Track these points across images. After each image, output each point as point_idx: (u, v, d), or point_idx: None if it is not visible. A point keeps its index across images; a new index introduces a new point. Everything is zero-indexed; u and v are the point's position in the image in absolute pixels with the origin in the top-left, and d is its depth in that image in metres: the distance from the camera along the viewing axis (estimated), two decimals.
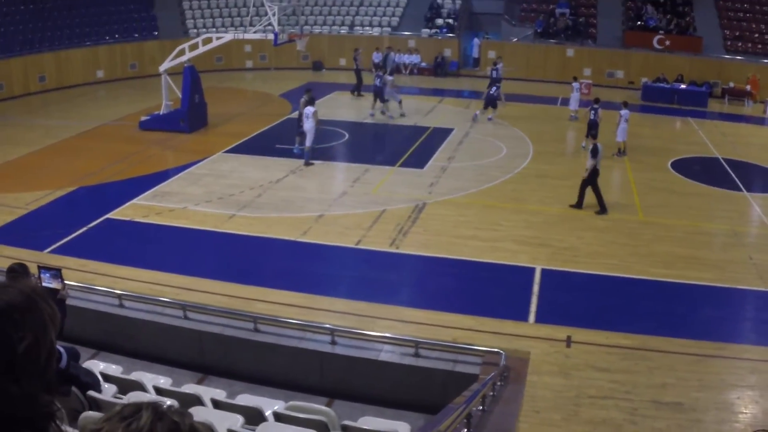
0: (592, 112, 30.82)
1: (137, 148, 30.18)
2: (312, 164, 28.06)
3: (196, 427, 2.24)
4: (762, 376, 14.98)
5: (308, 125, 27.97)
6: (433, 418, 8.46)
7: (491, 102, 35.87)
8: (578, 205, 23.73)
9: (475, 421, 8.25)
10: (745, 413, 13.55)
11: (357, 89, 41.70)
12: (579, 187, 23.82)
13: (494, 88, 36.20)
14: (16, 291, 2.56)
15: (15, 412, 2.44)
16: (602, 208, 23.56)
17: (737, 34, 47.25)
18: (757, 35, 46.99)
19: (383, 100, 35.82)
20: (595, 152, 23.33)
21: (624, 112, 30.32)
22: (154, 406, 2.22)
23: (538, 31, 49.54)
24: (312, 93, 29.82)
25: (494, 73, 38.84)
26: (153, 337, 13.12)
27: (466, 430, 7.93)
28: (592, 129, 29.46)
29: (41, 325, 2.56)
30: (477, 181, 26.48)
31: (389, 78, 36.45)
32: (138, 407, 2.21)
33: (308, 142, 28.15)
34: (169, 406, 2.27)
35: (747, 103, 42.86)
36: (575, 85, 37.43)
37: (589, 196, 23.69)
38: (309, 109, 28.03)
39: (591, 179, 23.56)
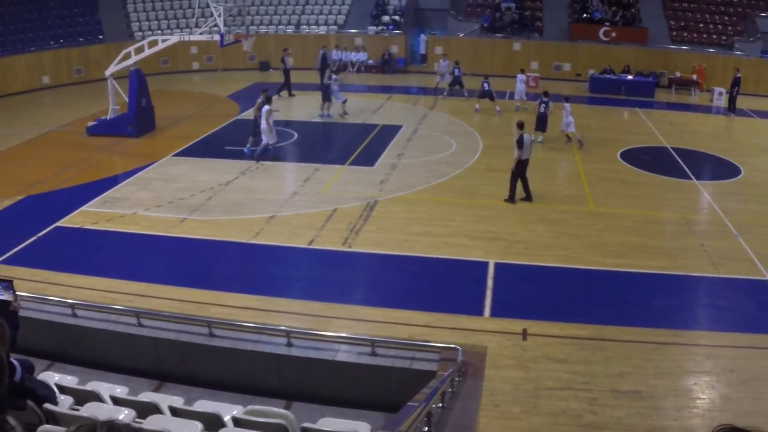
0: (542, 105, 31.02)
1: (85, 154, 29.85)
2: (264, 163, 28.19)
3: None
4: (717, 361, 15.14)
5: (264, 124, 28.19)
6: (393, 417, 8.42)
7: (488, 95, 37.11)
8: (527, 197, 23.89)
9: (436, 419, 8.23)
10: (703, 399, 13.69)
11: (282, 89, 41.30)
12: (509, 180, 24.02)
13: (486, 84, 37.39)
14: None
15: None
16: (511, 198, 23.99)
17: (682, 24, 47.78)
18: (702, 25, 47.55)
19: (327, 99, 35.83)
20: (520, 143, 23.49)
21: (567, 105, 30.69)
22: (110, 425, 2.16)
23: (485, 25, 49.71)
24: (269, 93, 29.84)
25: (456, 71, 39.98)
26: (107, 345, 12.97)
27: (426, 428, 7.91)
28: (542, 122, 29.87)
29: None
30: (427, 177, 26.51)
31: (333, 77, 36.42)
32: (92, 426, 2.15)
33: (265, 140, 28.49)
34: (127, 425, 2.21)
35: (693, 92, 43.41)
36: (521, 77, 37.76)
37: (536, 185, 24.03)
38: (265, 108, 28.29)
39: (518, 169, 23.72)
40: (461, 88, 40.19)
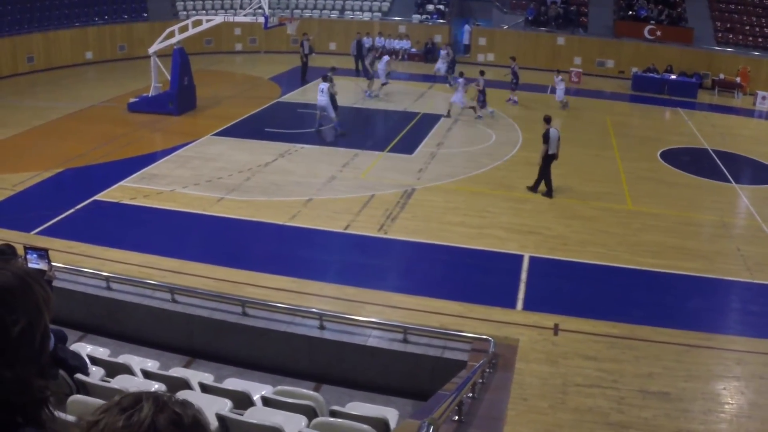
0: (479, 82, 33.83)
1: (125, 130, 30.04)
2: (344, 133, 30.18)
3: (198, 418, 2.19)
4: (747, 367, 15.02)
5: (322, 100, 29.39)
6: (424, 405, 8.45)
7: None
8: (534, 188, 23.97)
9: (466, 408, 8.24)
10: (731, 404, 13.58)
11: (305, 74, 41.24)
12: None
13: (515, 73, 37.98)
14: (10, 274, 2.51)
15: (8, 398, 2.40)
16: (547, 191, 23.93)
17: (728, 25, 47.28)
18: (747, 27, 47.03)
19: (369, 77, 36.44)
20: (546, 137, 23.49)
21: (460, 80, 33.96)
22: (155, 397, 2.16)
23: (529, 18, 49.47)
24: (331, 73, 31.04)
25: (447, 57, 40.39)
26: (140, 320, 13.07)
27: (457, 417, 7.92)
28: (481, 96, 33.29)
29: (35, 308, 2.51)
30: (466, 168, 26.47)
31: (386, 58, 37.18)
32: (138, 398, 2.15)
33: (331, 113, 29.98)
34: (170, 396, 2.21)
35: (737, 95, 42.92)
36: (557, 78, 37.28)
37: (558, 179, 24.04)
38: (323, 85, 29.36)
39: (545, 163, 23.71)
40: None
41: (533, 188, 23.99)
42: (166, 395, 2.21)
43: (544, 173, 23.79)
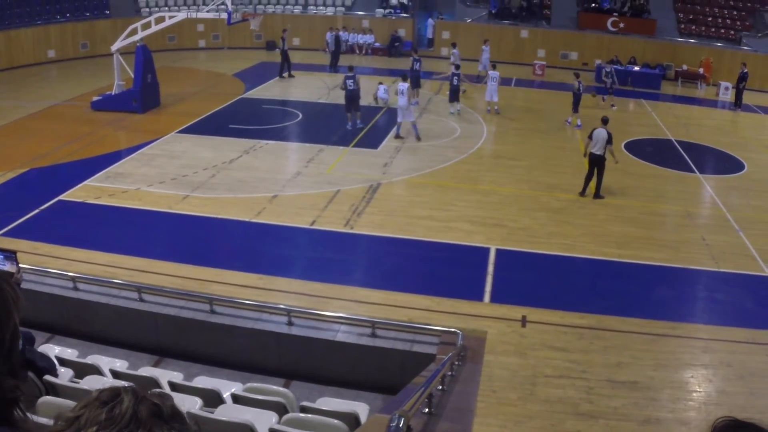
0: (416, 63, 35.93)
1: (89, 129, 29.83)
2: (420, 140, 29.41)
3: (176, 408, 2.20)
4: (715, 355, 15.16)
5: (402, 101, 29.08)
6: (394, 398, 8.47)
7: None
8: (583, 191, 23.86)
9: (436, 401, 8.27)
10: (699, 392, 13.71)
11: (282, 71, 41.22)
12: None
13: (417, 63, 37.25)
14: None
15: None
16: (585, 191, 23.76)
17: (691, 17, 47.61)
18: (710, 18, 47.38)
19: (455, 99, 35.83)
20: (590, 135, 23.48)
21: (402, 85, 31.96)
22: (133, 390, 2.17)
23: (493, 11, 49.58)
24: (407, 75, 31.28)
25: (417, 64, 37.59)
26: (108, 319, 13.01)
27: (427, 409, 7.94)
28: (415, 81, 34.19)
29: (4, 308, 2.50)
30: (431, 162, 26.51)
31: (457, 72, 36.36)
32: (117, 391, 2.16)
33: (410, 118, 29.63)
34: (145, 390, 2.22)
35: (700, 86, 43.26)
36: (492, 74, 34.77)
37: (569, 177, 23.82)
38: (402, 86, 29.21)
39: (589, 162, 23.73)
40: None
41: (597, 194, 23.64)
42: (141, 389, 2.23)
43: (589, 172, 23.65)
